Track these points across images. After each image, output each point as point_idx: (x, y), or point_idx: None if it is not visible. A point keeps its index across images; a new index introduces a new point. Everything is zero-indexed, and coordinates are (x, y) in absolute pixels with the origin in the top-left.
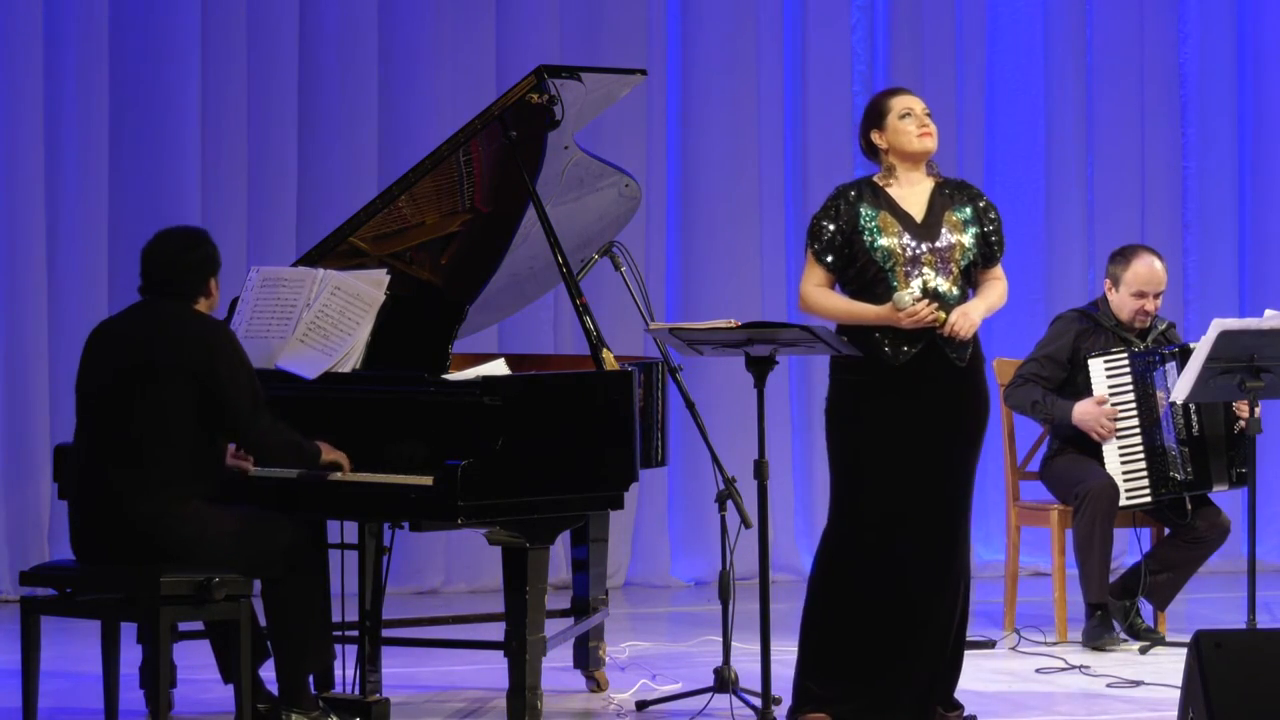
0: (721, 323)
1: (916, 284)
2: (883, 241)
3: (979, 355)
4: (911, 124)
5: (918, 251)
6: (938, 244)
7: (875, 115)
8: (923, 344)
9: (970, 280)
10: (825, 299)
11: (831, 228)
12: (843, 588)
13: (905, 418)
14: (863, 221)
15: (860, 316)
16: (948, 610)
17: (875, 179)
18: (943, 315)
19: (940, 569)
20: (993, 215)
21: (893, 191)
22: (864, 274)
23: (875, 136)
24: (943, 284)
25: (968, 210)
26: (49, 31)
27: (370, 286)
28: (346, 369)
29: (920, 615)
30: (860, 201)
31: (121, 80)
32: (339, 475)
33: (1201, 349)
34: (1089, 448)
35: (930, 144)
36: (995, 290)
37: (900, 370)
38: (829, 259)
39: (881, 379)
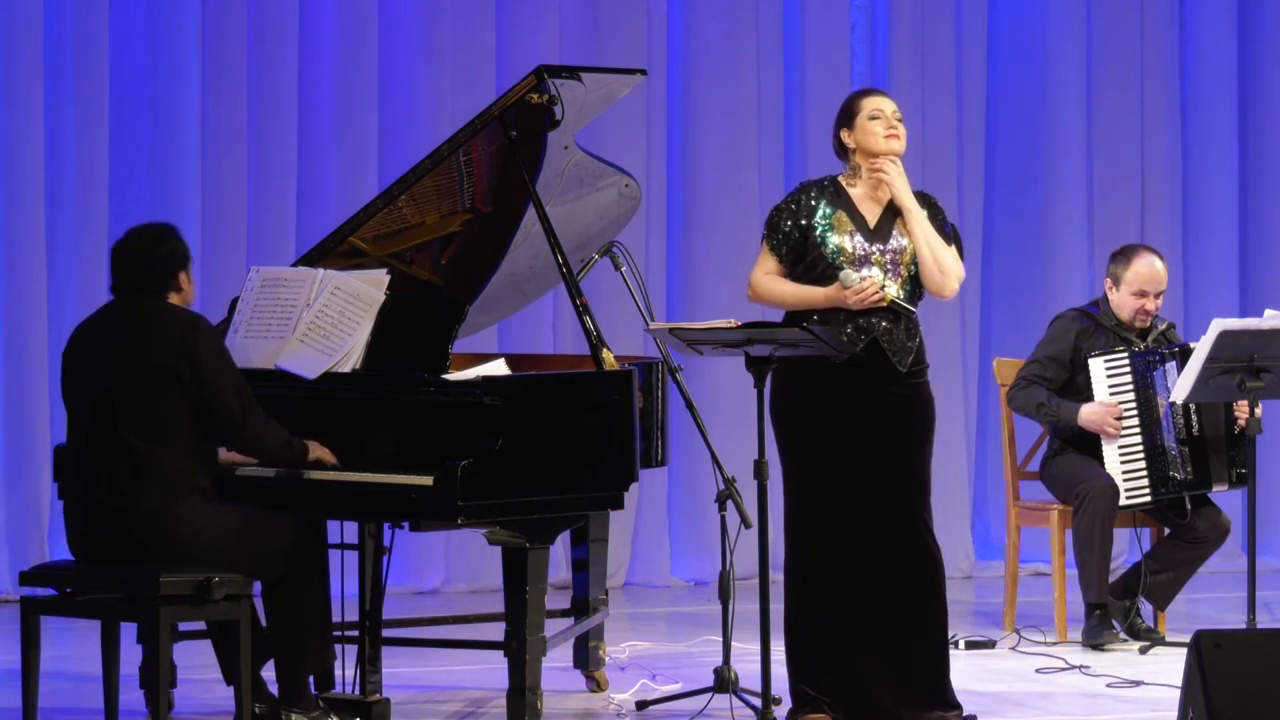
0: (721, 323)
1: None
2: (834, 239)
3: (921, 359)
4: (880, 125)
5: (868, 251)
6: (888, 245)
7: (846, 115)
8: (863, 344)
9: (919, 288)
10: (774, 285)
11: (789, 223)
12: (811, 590)
13: (843, 419)
14: (818, 218)
15: (808, 300)
16: (922, 609)
17: (840, 178)
18: (889, 293)
19: (903, 567)
20: (950, 228)
21: (853, 192)
22: (814, 269)
23: (844, 135)
24: (891, 286)
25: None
26: (49, 31)
27: (370, 286)
28: (346, 369)
29: (893, 615)
30: (821, 198)
31: (121, 80)
32: (320, 473)
33: (1201, 349)
34: (1089, 448)
35: (896, 146)
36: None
37: (840, 370)
38: (783, 251)
39: (819, 377)
